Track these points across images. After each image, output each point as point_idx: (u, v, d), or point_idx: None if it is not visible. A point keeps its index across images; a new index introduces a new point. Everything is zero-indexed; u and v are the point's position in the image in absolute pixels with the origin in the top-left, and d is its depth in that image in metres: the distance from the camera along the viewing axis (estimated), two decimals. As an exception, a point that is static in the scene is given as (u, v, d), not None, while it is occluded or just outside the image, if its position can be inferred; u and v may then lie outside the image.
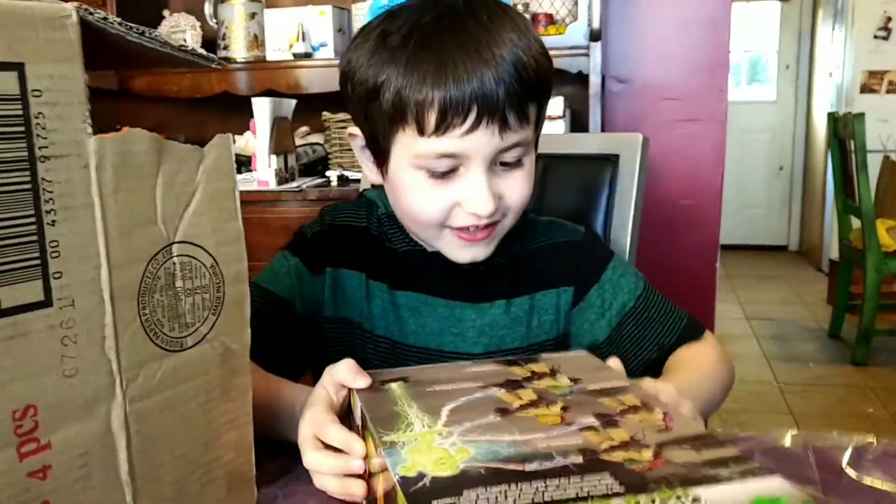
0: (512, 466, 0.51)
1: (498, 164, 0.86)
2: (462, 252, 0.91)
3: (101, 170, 0.48)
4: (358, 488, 0.65)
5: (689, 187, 2.21)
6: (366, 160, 0.94)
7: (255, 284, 0.92)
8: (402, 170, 0.87)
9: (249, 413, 0.62)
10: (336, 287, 0.97)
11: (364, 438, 0.62)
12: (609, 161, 1.06)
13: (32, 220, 0.45)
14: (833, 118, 3.70)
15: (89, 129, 0.48)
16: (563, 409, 0.61)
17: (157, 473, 0.55)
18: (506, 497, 0.47)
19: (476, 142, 0.82)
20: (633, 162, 1.06)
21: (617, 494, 0.47)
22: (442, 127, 0.81)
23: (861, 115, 3.30)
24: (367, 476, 0.63)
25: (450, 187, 0.86)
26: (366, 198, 1.03)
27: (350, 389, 0.68)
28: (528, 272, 0.98)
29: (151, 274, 0.52)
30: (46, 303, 0.46)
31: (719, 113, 2.29)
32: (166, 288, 0.53)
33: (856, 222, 3.48)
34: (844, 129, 3.48)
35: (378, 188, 0.99)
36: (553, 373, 0.69)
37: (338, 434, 0.67)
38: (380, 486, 0.57)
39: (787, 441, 0.74)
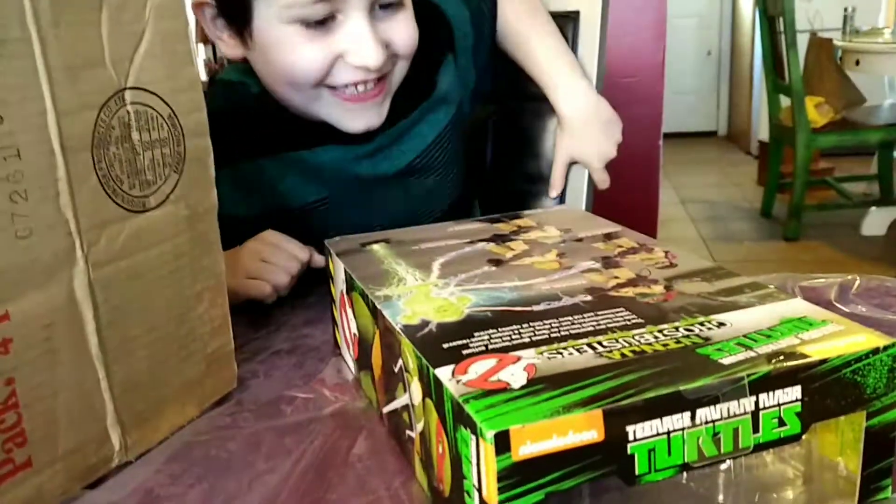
0: (519, 308, 0.48)
1: (377, 8, 0.78)
2: (353, 119, 0.83)
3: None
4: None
5: (632, 64, 2.17)
6: (220, 32, 0.83)
7: None
8: (272, 27, 0.77)
9: (223, 283, 0.58)
10: (243, 183, 0.85)
11: (351, 303, 0.59)
12: (569, 18, 1.00)
13: (-39, 52, 0.39)
14: (762, -4, 3.69)
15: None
16: (559, 255, 0.58)
17: (130, 348, 0.51)
18: (520, 336, 0.44)
19: None
20: (595, 18, 1.00)
21: (637, 325, 0.44)
22: None
23: (789, -8, 3.30)
24: (354, 346, 0.60)
25: (329, 39, 0.77)
26: (223, 83, 0.92)
27: (328, 258, 0.64)
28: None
29: (104, 123, 0.46)
30: (-12, 152, 0.40)
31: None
32: (122, 140, 0.48)
33: (785, 101, 3.52)
34: (773, 7, 3.48)
35: (238, 65, 0.88)
36: (540, 226, 0.66)
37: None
38: (376, 355, 0.53)
39: (775, 283, 0.73)
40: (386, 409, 0.53)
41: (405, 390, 0.47)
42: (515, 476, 0.34)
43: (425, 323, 0.47)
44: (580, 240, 0.62)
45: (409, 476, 0.48)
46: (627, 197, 1.56)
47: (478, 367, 0.40)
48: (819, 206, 3.68)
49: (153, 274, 0.51)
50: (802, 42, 3.55)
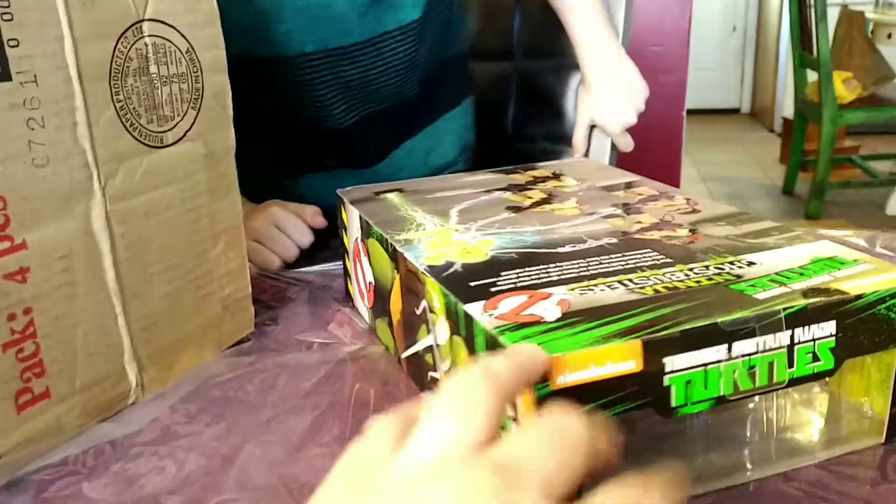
0: (544, 250, 0.47)
1: None
2: None
3: (53, -81, 0.41)
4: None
5: (657, 32, 2.14)
6: None
7: None
8: None
9: (240, 227, 0.57)
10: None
11: (366, 251, 0.58)
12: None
13: (-22, -30, 0.38)
14: (792, -31, 3.62)
15: None
16: (579, 203, 0.57)
17: (147, 285, 0.50)
18: (548, 275, 0.43)
19: None
20: None
21: (667, 264, 0.43)
22: None
23: (820, -36, 3.23)
24: (369, 293, 0.60)
25: None
26: None
27: (341, 207, 0.64)
28: None
29: (122, 54, 0.46)
30: (4, 76, 0.40)
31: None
32: (140, 72, 0.47)
33: (812, 76, 3.47)
34: (802, -20, 3.42)
35: None
36: (556, 176, 0.66)
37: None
38: (395, 300, 0.53)
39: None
40: (406, 353, 0.52)
41: (429, 331, 0.46)
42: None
43: (450, 264, 0.46)
44: (598, 188, 0.61)
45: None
46: (648, 167, 1.55)
47: (508, 303, 0.40)
48: (843, 185, 3.62)
49: (170, 211, 0.51)
50: (832, 15, 3.49)
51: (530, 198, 0.59)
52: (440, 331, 0.44)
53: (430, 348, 0.47)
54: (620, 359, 0.34)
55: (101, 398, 0.49)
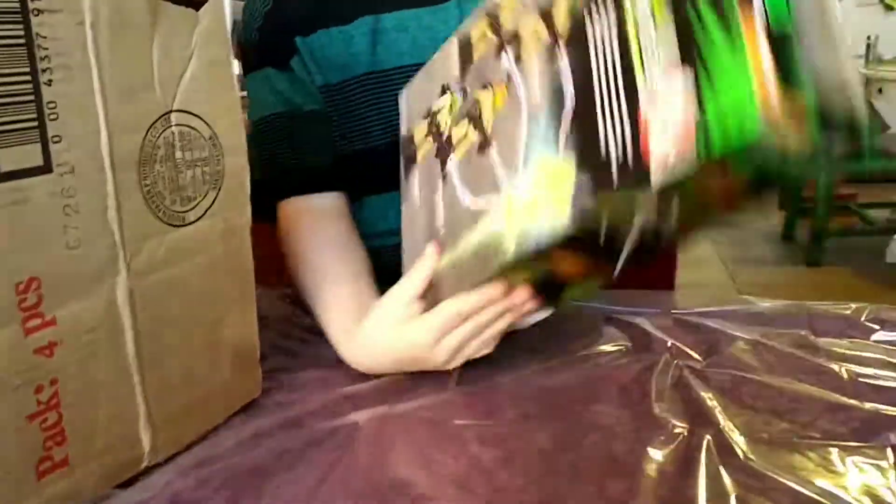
0: None
1: None
2: None
3: (96, 27, 0.45)
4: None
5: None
6: None
7: (255, 122, 0.87)
8: None
9: (252, 293, 0.61)
10: (313, 57, 0.86)
11: None
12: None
13: (28, 77, 0.42)
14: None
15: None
16: None
17: (164, 355, 0.53)
18: None
19: None
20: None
21: None
22: None
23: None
24: None
25: None
26: None
27: None
28: None
29: (151, 143, 0.49)
30: (46, 168, 0.43)
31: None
32: (166, 158, 0.51)
33: (810, 126, 3.51)
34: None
35: None
36: None
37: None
38: None
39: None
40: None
41: None
42: None
43: None
44: None
45: (430, 497, 0.51)
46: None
47: None
48: (842, 232, 3.64)
49: (189, 284, 0.54)
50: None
51: None
52: None
53: None
54: None
55: (116, 463, 0.51)
